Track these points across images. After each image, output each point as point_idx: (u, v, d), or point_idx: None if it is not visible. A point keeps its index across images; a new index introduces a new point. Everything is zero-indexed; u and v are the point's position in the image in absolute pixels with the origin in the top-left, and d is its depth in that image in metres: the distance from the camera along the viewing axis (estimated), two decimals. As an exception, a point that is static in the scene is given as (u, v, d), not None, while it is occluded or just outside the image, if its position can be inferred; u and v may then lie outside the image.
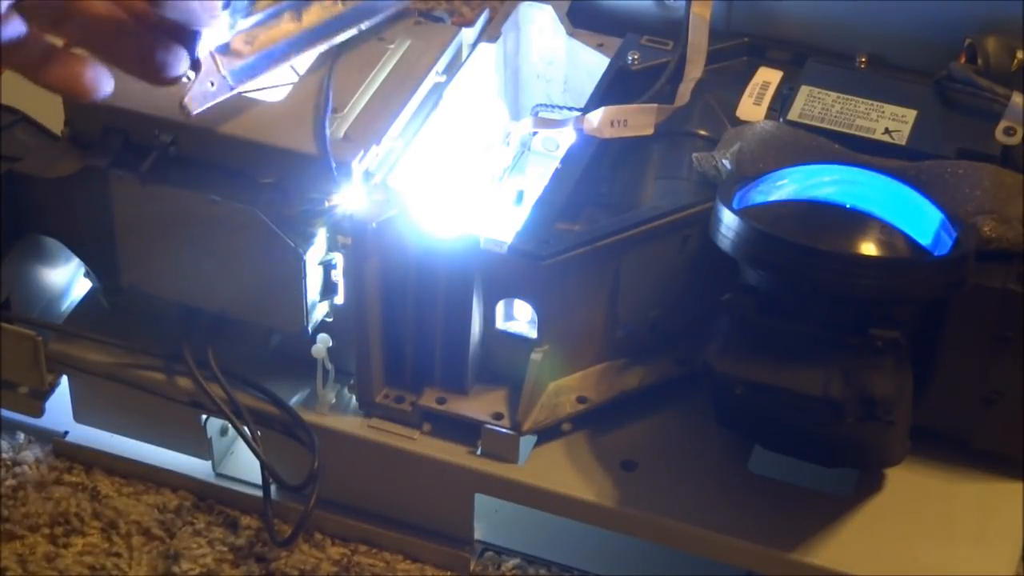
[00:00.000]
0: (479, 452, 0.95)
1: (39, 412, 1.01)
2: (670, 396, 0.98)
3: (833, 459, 0.92)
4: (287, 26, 0.96)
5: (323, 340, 0.96)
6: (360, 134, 0.95)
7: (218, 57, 0.91)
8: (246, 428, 0.96)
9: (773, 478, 0.95)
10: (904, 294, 0.86)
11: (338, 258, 0.95)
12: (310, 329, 0.96)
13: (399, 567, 0.99)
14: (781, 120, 0.97)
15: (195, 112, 0.91)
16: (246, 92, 0.94)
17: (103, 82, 0.85)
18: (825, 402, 0.86)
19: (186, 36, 0.87)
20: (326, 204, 0.93)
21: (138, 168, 0.94)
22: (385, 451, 0.96)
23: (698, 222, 0.93)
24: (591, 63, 1.06)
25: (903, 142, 0.95)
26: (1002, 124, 0.94)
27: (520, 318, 0.96)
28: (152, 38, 0.85)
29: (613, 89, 1.02)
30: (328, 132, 0.94)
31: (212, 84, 0.91)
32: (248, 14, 0.93)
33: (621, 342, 0.97)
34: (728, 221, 0.87)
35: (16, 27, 0.81)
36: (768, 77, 1.03)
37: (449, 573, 0.98)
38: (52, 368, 1.00)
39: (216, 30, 0.89)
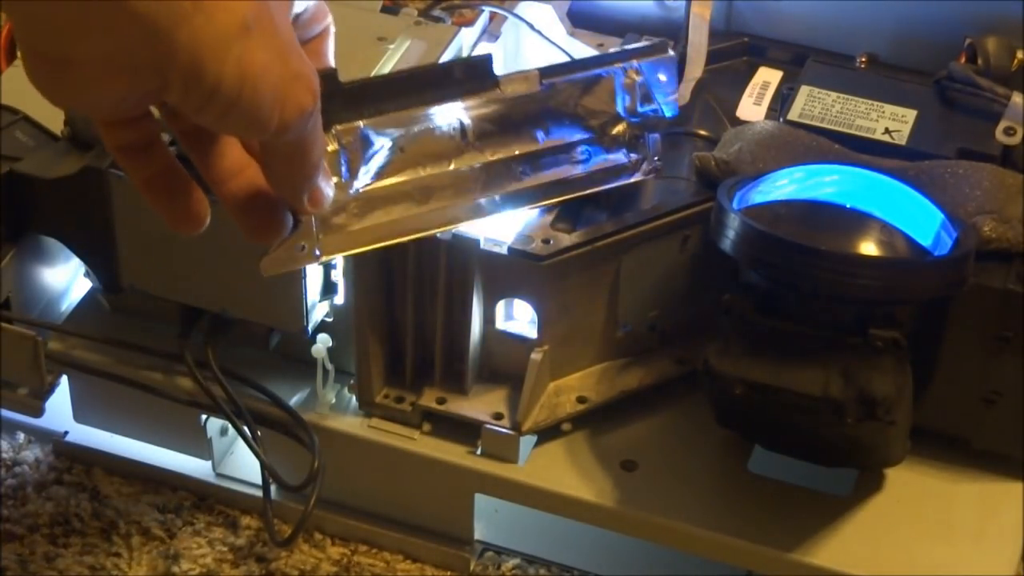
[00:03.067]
0: (479, 452, 0.95)
1: (39, 412, 1.01)
2: (670, 396, 0.98)
3: (833, 459, 0.92)
4: (407, 208, 0.88)
5: (323, 340, 0.96)
6: (360, 134, 0.95)
7: (318, 222, 0.84)
8: (246, 428, 0.96)
9: (773, 478, 0.95)
10: (904, 294, 0.86)
11: (338, 258, 0.95)
12: (310, 329, 0.96)
13: (399, 567, 0.99)
14: (781, 120, 0.97)
15: (269, 274, 0.83)
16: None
17: (205, 221, 0.77)
18: (825, 402, 0.85)
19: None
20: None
21: (138, 168, 0.94)
22: (385, 451, 0.96)
23: (698, 222, 0.93)
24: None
25: (903, 142, 0.95)
26: (1002, 124, 0.94)
27: (520, 318, 0.96)
28: (273, 202, 0.76)
29: (613, 89, 1.02)
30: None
31: (303, 248, 0.84)
32: (377, 173, 0.85)
33: (621, 342, 0.97)
34: (728, 221, 0.87)
35: (138, 135, 0.73)
36: (768, 77, 1.03)
37: (449, 573, 0.98)
38: (52, 368, 1.00)
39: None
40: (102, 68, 0.65)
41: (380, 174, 0.87)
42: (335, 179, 0.83)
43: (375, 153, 0.86)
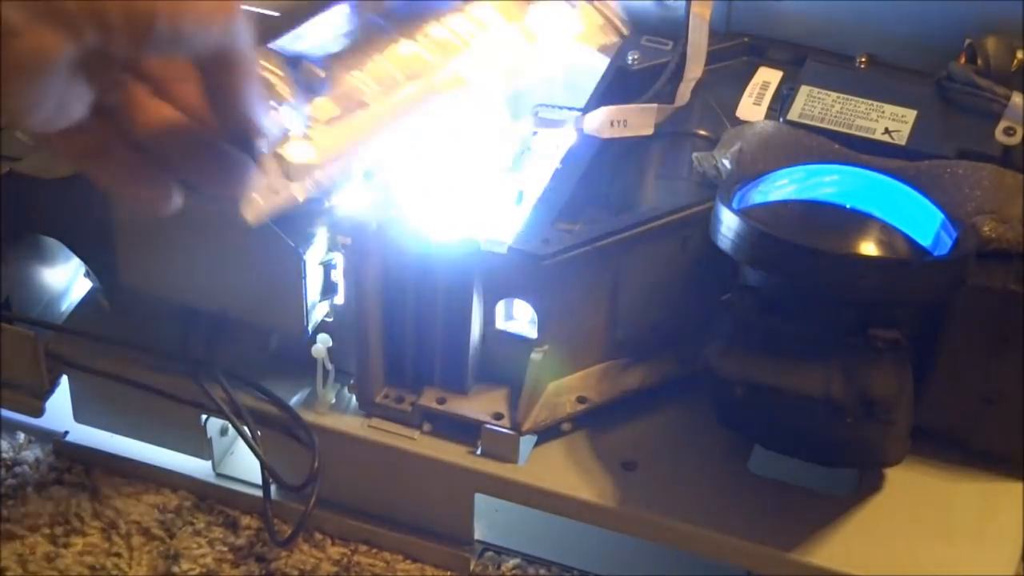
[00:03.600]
0: (479, 452, 0.95)
1: (39, 412, 1.01)
2: (670, 396, 0.98)
3: (833, 459, 0.92)
4: (366, 113, 0.90)
5: (323, 340, 0.96)
6: (360, 134, 0.95)
7: (281, 158, 0.85)
8: (246, 428, 0.96)
9: (773, 478, 0.95)
10: (904, 294, 0.86)
11: (338, 258, 0.95)
12: (310, 329, 0.96)
13: (399, 567, 0.99)
14: (781, 120, 0.97)
15: (256, 222, 0.84)
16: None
17: (174, 203, 0.79)
18: (825, 402, 0.86)
19: (246, 142, 0.80)
20: (326, 204, 0.93)
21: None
22: (385, 451, 0.96)
23: (698, 222, 0.93)
24: (591, 63, 1.06)
25: (903, 142, 0.95)
26: (1002, 124, 0.94)
27: (520, 318, 0.96)
28: (224, 147, 0.78)
29: (613, 89, 1.02)
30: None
31: (277, 192, 0.85)
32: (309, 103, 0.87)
33: (621, 342, 0.97)
34: (728, 221, 0.87)
35: (87, 140, 0.77)
36: (768, 77, 1.03)
37: (449, 573, 0.98)
38: (52, 368, 1.00)
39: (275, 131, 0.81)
40: (40, 31, 0.66)
41: (320, 94, 0.87)
42: (273, 106, 0.84)
43: (306, 78, 0.87)
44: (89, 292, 1.04)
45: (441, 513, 0.98)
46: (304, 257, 0.93)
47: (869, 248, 0.86)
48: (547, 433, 0.96)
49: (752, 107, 1.01)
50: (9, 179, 0.97)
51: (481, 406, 0.96)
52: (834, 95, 0.97)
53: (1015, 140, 0.94)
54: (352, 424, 0.97)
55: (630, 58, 1.03)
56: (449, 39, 0.92)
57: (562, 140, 1.00)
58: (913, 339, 0.87)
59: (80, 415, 1.03)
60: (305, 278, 0.94)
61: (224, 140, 0.77)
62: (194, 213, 0.93)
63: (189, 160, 0.78)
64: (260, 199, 0.84)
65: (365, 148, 0.89)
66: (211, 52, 0.73)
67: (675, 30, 1.04)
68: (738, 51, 1.06)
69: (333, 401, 0.98)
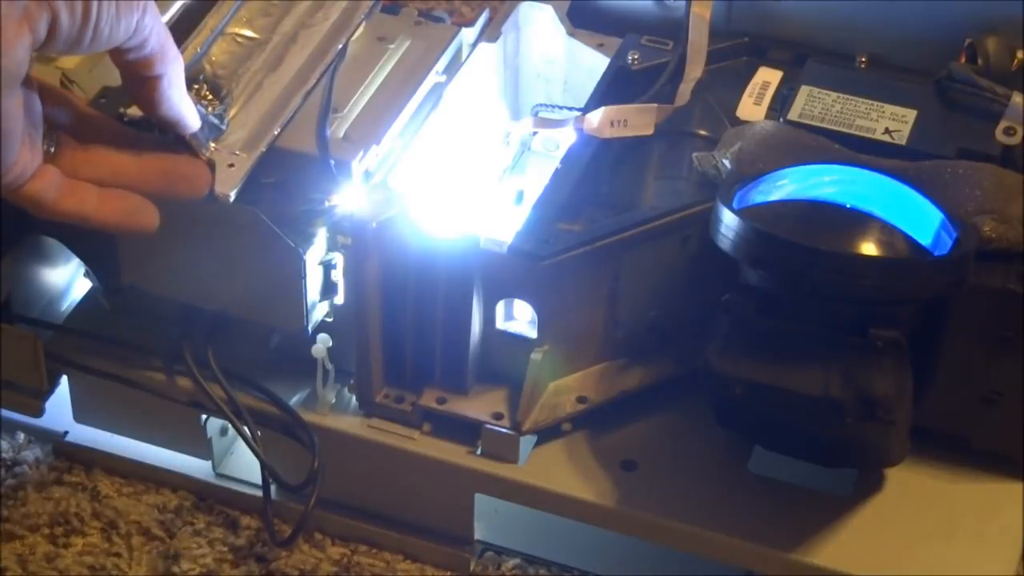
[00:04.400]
0: (479, 452, 0.95)
1: (39, 412, 1.01)
2: (670, 396, 0.98)
3: (833, 459, 0.92)
4: (270, 82, 0.96)
5: (323, 340, 0.96)
6: (360, 134, 0.96)
7: (221, 145, 0.92)
8: (246, 428, 0.96)
9: (773, 478, 0.95)
10: (904, 294, 0.86)
11: (338, 258, 0.95)
12: (310, 329, 0.96)
13: (399, 567, 0.99)
14: (781, 120, 0.97)
15: (235, 194, 0.91)
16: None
17: (153, 212, 0.89)
18: (825, 402, 0.86)
19: (187, 146, 0.90)
20: (326, 204, 0.93)
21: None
22: (385, 451, 0.96)
23: (698, 222, 0.93)
24: (591, 63, 1.06)
25: (903, 142, 0.95)
26: (1002, 124, 0.95)
27: (520, 318, 0.96)
28: (173, 158, 0.89)
29: (613, 89, 1.02)
30: (328, 132, 0.94)
31: (232, 165, 0.92)
32: (226, 104, 0.94)
33: (621, 342, 0.97)
34: (728, 221, 0.87)
35: (55, 177, 0.85)
36: (768, 77, 1.03)
37: (449, 573, 0.98)
38: (52, 368, 1.00)
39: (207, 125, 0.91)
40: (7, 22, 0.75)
41: (219, 84, 0.95)
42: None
43: (202, 79, 0.94)
44: (89, 292, 1.04)
45: (441, 513, 0.98)
46: (304, 257, 0.93)
47: (869, 248, 0.86)
48: (547, 433, 0.96)
49: (752, 107, 1.01)
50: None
51: (481, 406, 0.96)
52: (834, 95, 0.98)
53: (1015, 140, 0.94)
54: (352, 424, 0.97)
55: (630, 58, 1.03)
56: None
57: (562, 140, 1.00)
58: (913, 339, 0.87)
59: (80, 415, 1.03)
60: (305, 278, 0.94)
61: (165, 141, 0.88)
62: (196, 213, 0.93)
63: (143, 178, 0.88)
64: (223, 175, 0.91)
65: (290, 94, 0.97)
66: (131, 47, 0.81)
67: (675, 30, 1.04)
68: (738, 51, 1.06)
69: (333, 401, 0.98)
